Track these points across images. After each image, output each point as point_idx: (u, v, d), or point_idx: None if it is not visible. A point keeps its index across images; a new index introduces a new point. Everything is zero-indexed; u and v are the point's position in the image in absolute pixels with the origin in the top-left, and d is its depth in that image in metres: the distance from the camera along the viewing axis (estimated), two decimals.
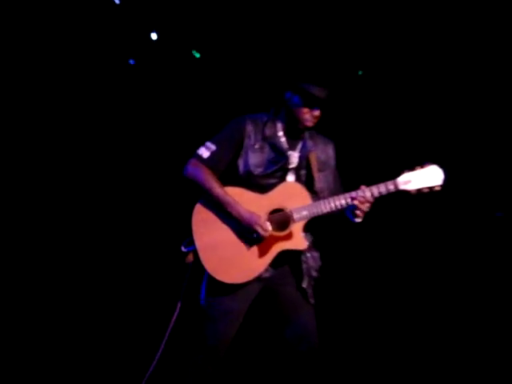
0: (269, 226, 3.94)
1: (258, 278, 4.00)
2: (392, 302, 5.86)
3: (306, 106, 3.98)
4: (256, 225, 3.91)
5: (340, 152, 4.29)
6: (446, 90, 5.71)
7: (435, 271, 5.75)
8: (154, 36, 5.77)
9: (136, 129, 5.90)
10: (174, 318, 3.97)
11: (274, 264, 4.02)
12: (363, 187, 3.98)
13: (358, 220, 4.03)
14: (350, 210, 4.01)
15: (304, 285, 4.05)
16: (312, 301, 4.08)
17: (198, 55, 5.73)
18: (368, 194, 3.95)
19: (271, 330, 4.21)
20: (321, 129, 4.25)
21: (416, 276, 5.81)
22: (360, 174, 4.58)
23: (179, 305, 4.01)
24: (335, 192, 4.13)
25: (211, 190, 3.99)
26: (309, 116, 4.01)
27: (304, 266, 4.08)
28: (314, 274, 4.12)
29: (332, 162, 4.22)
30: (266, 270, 4.02)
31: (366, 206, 3.96)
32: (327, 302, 4.44)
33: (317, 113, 4.01)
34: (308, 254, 4.10)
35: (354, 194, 3.97)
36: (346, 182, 4.27)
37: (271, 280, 4.06)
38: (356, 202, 3.94)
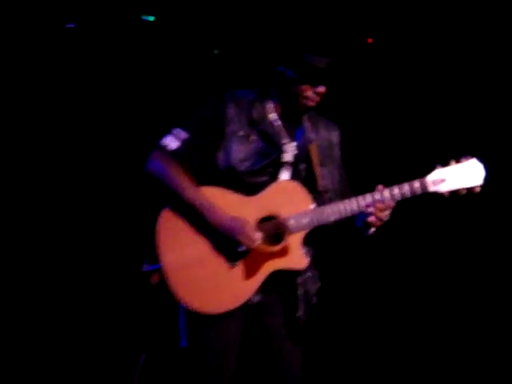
0: (258, 235, 3.02)
1: (243, 305, 3.07)
2: (392, 305, 5.37)
3: (305, 81, 3.09)
4: (240, 234, 3.00)
5: (347, 140, 3.42)
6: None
7: (436, 273, 5.28)
8: None
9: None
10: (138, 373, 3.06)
11: (265, 287, 3.11)
12: (381, 187, 3.06)
13: (372, 231, 3.11)
14: (362, 218, 3.11)
15: (299, 314, 3.17)
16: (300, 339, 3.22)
17: (151, 18, 4.80)
18: (388, 197, 3.03)
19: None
20: (323, 110, 3.36)
21: (417, 279, 5.32)
22: (373, 170, 3.69)
23: (143, 358, 3.11)
24: (341, 192, 3.28)
25: (181, 190, 3.07)
26: (310, 93, 3.11)
27: (300, 291, 3.18)
28: (314, 300, 3.23)
29: (336, 152, 3.34)
30: (255, 294, 3.10)
31: (385, 215, 3.05)
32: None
33: (321, 89, 3.12)
34: (308, 274, 3.20)
35: (369, 197, 3.05)
36: (356, 181, 3.41)
37: (258, 308, 3.15)
38: (371, 210, 3.02)
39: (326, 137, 3.30)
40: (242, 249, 3.03)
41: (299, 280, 3.16)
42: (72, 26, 5.01)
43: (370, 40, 5.09)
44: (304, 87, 3.10)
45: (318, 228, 3.13)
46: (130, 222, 4.83)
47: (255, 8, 4.93)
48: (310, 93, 3.11)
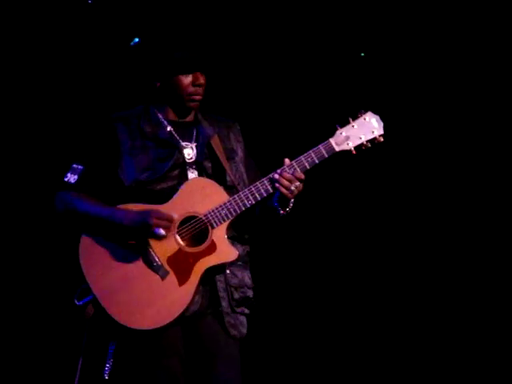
0: (174, 214, 2.98)
1: (181, 318, 3.00)
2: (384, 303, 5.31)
3: (182, 73, 3.14)
4: (152, 217, 2.95)
5: (247, 131, 3.42)
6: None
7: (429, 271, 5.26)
8: None
9: None
10: None
11: (200, 292, 3.06)
12: (287, 160, 3.06)
13: (285, 210, 3.11)
14: (277, 197, 3.09)
15: (225, 312, 3.09)
16: (234, 332, 3.11)
17: None
18: (298, 170, 3.03)
19: None
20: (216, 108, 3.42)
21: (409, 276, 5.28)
22: (283, 147, 3.69)
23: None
24: (252, 181, 3.21)
25: (88, 212, 3.04)
26: (191, 88, 3.15)
27: (221, 286, 3.10)
28: (237, 295, 3.14)
29: (241, 146, 3.34)
30: (193, 302, 3.03)
31: (295, 186, 3.04)
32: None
33: (200, 80, 3.15)
34: (227, 271, 3.12)
35: (275, 174, 3.05)
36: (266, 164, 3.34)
37: (193, 318, 3.07)
38: (280, 185, 3.02)
39: (226, 133, 3.30)
40: (160, 231, 2.95)
41: (219, 277, 3.09)
42: None
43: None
44: (183, 82, 3.12)
45: (241, 217, 3.10)
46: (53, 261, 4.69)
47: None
48: (190, 88, 3.13)
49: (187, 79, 3.13)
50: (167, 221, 2.96)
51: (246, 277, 3.20)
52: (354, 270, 5.25)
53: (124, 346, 3.04)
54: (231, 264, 3.11)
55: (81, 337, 3.09)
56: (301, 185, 3.06)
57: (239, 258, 3.13)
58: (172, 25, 3.23)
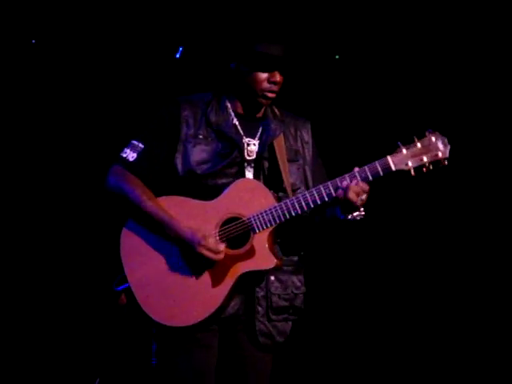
0: (221, 245, 2.92)
1: (217, 319, 2.97)
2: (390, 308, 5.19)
3: (259, 70, 3.02)
4: (201, 247, 2.91)
5: (318, 133, 3.29)
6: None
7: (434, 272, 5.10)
8: None
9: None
10: None
11: (238, 296, 3.02)
12: (357, 169, 2.96)
13: (352, 216, 3.01)
14: (339, 206, 2.99)
15: (259, 320, 3.03)
16: (266, 341, 3.05)
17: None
18: (346, 182, 2.93)
19: None
20: (290, 106, 3.28)
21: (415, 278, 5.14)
22: (342, 157, 3.58)
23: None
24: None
25: (140, 205, 3.00)
26: (266, 84, 3.03)
27: (260, 294, 3.03)
28: (281, 303, 3.07)
29: (308, 148, 3.22)
30: (230, 306, 2.99)
31: (362, 196, 2.94)
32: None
33: (277, 77, 3.03)
34: (271, 277, 3.05)
35: (330, 184, 2.95)
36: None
37: (229, 321, 3.04)
38: (340, 191, 2.93)
39: (294, 133, 3.20)
40: (205, 261, 2.94)
41: (261, 283, 3.03)
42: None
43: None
44: (259, 77, 3.01)
45: (289, 224, 3.01)
46: (96, 242, 4.75)
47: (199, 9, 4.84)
48: (265, 83, 3.02)
49: (263, 74, 3.03)
50: (214, 253, 2.91)
51: (296, 282, 3.12)
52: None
53: (162, 333, 3.03)
54: (276, 269, 3.03)
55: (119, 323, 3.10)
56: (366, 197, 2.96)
57: (288, 264, 3.07)
58: (257, 13, 3.10)
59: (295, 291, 3.10)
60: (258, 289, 3.02)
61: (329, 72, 5.00)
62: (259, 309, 3.02)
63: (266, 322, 3.04)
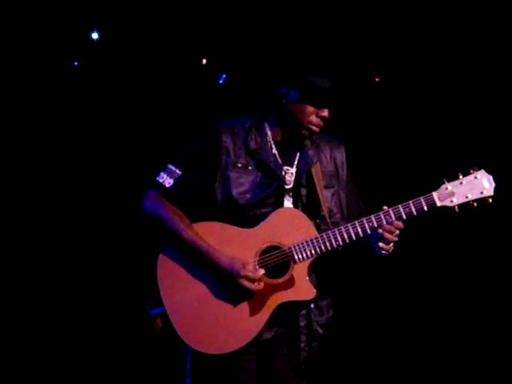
0: (260, 272, 2.89)
1: (255, 342, 2.92)
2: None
3: (310, 103, 2.96)
4: (240, 277, 2.88)
5: (352, 159, 3.26)
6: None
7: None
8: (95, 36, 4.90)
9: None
10: None
11: (275, 321, 2.96)
12: (386, 208, 2.91)
13: (385, 252, 2.97)
14: (375, 239, 2.96)
15: (301, 347, 3.02)
16: (308, 368, 3.05)
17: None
18: (393, 218, 2.88)
19: None
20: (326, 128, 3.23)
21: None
22: (379, 188, 3.53)
23: None
24: (352, 212, 3.12)
25: (178, 232, 2.97)
26: (314, 118, 2.98)
27: (302, 322, 3.02)
28: (320, 331, 3.06)
29: (343, 172, 3.18)
30: (267, 330, 2.96)
31: (394, 235, 2.89)
32: None
33: (325, 113, 2.99)
34: (311, 305, 3.03)
35: (374, 218, 2.90)
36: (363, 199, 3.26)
37: (270, 344, 3.01)
38: (380, 231, 2.88)
39: (329, 157, 3.16)
40: (244, 290, 2.90)
41: (302, 311, 3.01)
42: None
43: (377, 78, 4.98)
44: (308, 110, 2.97)
45: (326, 255, 2.99)
46: (132, 265, 4.73)
47: (255, 27, 4.83)
48: (313, 117, 2.98)
49: (312, 108, 2.98)
50: (253, 283, 2.88)
51: (328, 305, 3.11)
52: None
53: (198, 359, 3.00)
54: (314, 300, 3.00)
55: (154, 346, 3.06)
56: (398, 234, 2.93)
57: (321, 291, 3.04)
58: (316, 44, 3.06)
59: (327, 315, 3.10)
60: (300, 318, 3.00)
61: (374, 102, 5.00)
62: (303, 338, 3.01)
63: (309, 351, 3.03)
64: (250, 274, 2.87)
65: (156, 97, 5.00)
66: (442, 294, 5.08)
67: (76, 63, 5.02)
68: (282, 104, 3.02)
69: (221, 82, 4.91)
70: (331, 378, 4.96)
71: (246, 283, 2.87)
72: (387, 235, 2.90)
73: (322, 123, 3.00)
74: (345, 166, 3.18)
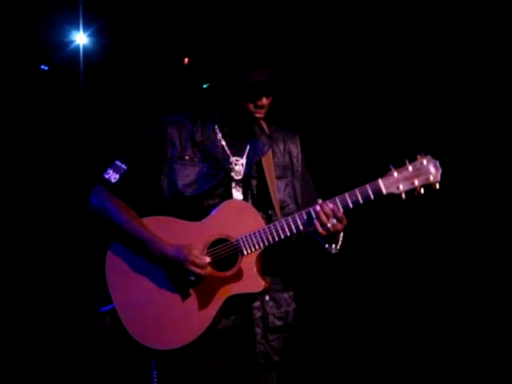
0: (206, 259, 2.87)
1: (211, 333, 2.91)
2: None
3: (248, 98, 2.94)
4: (187, 262, 2.87)
5: (308, 150, 3.26)
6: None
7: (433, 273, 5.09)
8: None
9: None
10: None
11: (231, 312, 2.97)
12: (320, 201, 2.89)
13: (330, 247, 2.96)
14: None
15: (258, 341, 2.99)
16: (264, 361, 3.03)
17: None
18: (328, 208, 2.85)
19: None
20: (280, 120, 3.24)
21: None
22: (328, 177, 3.53)
23: None
24: (306, 203, 3.06)
25: (123, 225, 2.96)
26: (252, 108, 2.97)
27: (257, 314, 3.00)
28: (278, 323, 3.03)
29: (298, 163, 3.16)
30: (225, 319, 2.95)
31: (331, 224, 2.87)
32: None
33: (263, 101, 2.96)
34: (266, 298, 3.01)
35: (314, 207, 2.89)
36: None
37: (226, 333, 2.99)
38: (316, 220, 2.86)
39: (282, 148, 3.14)
40: (192, 277, 2.88)
41: (256, 304, 2.99)
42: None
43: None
44: (245, 103, 2.95)
45: (279, 246, 2.97)
46: (80, 264, 4.72)
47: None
48: (252, 108, 2.96)
49: (248, 101, 2.95)
50: (202, 269, 2.87)
51: (288, 299, 3.09)
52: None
53: (163, 362, 3.00)
54: (264, 293, 2.99)
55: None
56: (338, 224, 2.89)
57: (279, 282, 3.04)
58: (236, 41, 3.04)
59: (287, 308, 3.07)
60: (255, 310, 2.98)
61: (320, 86, 4.97)
62: (258, 330, 2.99)
63: (265, 343, 3.01)
64: (197, 260, 2.85)
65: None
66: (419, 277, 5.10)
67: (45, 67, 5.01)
68: (221, 102, 3.03)
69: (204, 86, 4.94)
70: (302, 371, 4.96)
71: (193, 267, 2.85)
72: (323, 217, 2.85)
73: (264, 110, 2.98)
74: (300, 157, 3.16)
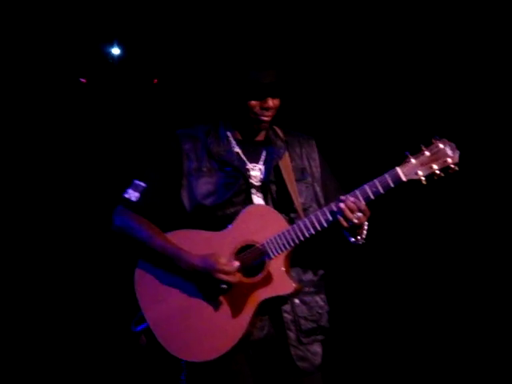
0: (235, 265, 2.87)
1: (245, 343, 2.89)
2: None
3: (253, 98, 2.96)
4: (215, 271, 2.86)
5: (323, 148, 3.25)
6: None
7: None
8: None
9: None
10: None
11: (263, 319, 2.95)
12: (342, 197, 2.88)
13: (356, 239, 2.95)
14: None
15: (292, 344, 2.96)
16: (304, 365, 2.98)
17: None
18: (351, 202, 2.85)
19: None
20: (293, 123, 3.26)
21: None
22: (350, 169, 3.52)
23: None
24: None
25: (148, 242, 2.97)
26: (259, 110, 2.98)
27: (288, 318, 2.97)
28: (310, 325, 3.01)
29: (316, 164, 3.16)
30: (257, 329, 2.93)
31: (356, 218, 2.86)
32: None
33: (269, 103, 2.98)
34: (296, 301, 2.98)
35: (336, 203, 2.88)
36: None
37: (260, 344, 2.97)
38: (341, 216, 2.86)
39: (299, 152, 3.14)
40: (223, 286, 2.88)
41: (285, 307, 2.97)
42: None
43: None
44: (251, 105, 2.97)
45: (306, 248, 2.96)
46: (110, 285, 4.73)
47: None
48: (258, 109, 2.98)
49: (255, 102, 2.98)
50: (231, 275, 2.86)
51: (320, 301, 3.06)
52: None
53: (192, 373, 2.97)
54: (296, 294, 2.97)
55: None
56: (363, 216, 2.88)
57: (310, 285, 3.02)
58: (241, 43, 3.07)
59: (319, 311, 3.04)
60: (285, 314, 2.96)
61: (328, 85, 4.98)
62: (290, 334, 2.96)
63: (300, 346, 2.98)
64: (225, 267, 2.85)
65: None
66: (442, 290, 5.05)
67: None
68: (230, 109, 3.05)
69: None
70: (340, 372, 4.92)
71: (222, 275, 2.85)
72: (347, 212, 2.85)
73: (267, 113, 2.99)
74: (317, 160, 3.16)
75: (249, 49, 3.01)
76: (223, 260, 2.87)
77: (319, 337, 3.05)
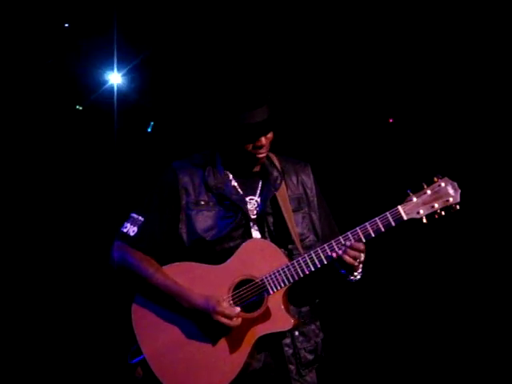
0: (236, 309, 2.85)
1: (243, 376, 2.88)
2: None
3: (247, 141, 2.93)
4: (216, 314, 2.84)
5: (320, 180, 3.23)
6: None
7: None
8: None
9: None
10: None
11: (261, 352, 2.94)
12: (343, 238, 2.88)
13: (354, 276, 2.94)
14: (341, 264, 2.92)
15: (293, 378, 2.96)
16: None
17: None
18: (349, 243, 2.84)
19: None
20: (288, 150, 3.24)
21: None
22: (345, 205, 3.53)
23: None
24: (325, 233, 3.07)
25: (148, 279, 2.96)
26: (252, 149, 2.96)
27: (289, 352, 2.97)
28: (309, 357, 3.00)
29: (312, 194, 3.13)
30: (256, 360, 2.91)
31: (353, 258, 2.86)
32: None
33: (262, 142, 2.95)
34: (296, 333, 2.98)
35: (342, 239, 2.88)
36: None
37: (258, 375, 2.95)
38: (335, 255, 2.86)
39: (295, 180, 3.12)
40: (222, 327, 2.86)
41: (286, 341, 2.96)
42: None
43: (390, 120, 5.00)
44: (244, 145, 2.95)
45: (302, 281, 2.95)
46: (108, 317, 4.71)
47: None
48: (251, 148, 2.95)
49: (247, 143, 2.95)
50: (230, 319, 2.85)
51: (315, 329, 3.06)
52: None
53: None
54: (295, 329, 2.96)
55: None
56: (362, 255, 2.88)
57: (307, 315, 3.01)
58: (230, 82, 3.03)
59: (316, 339, 3.04)
60: (286, 348, 2.95)
61: (330, 121, 5.00)
62: (291, 367, 2.96)
63: (300, 379, 2.98)
64: (226, 311, 2.84)
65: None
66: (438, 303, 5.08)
67: None
68: (224, 147, 3.04)
69: (149, 130, 4.97)
70: None
71: (223, 319, 2.83)
72: (346, 257, 2.85)
73: (263, 150, 2.97)
74: (314, 188, 3.14)
75: (236, 92, 2.95)
76: (225, 304, 2.85)
77: (316, 365, 3.06)
